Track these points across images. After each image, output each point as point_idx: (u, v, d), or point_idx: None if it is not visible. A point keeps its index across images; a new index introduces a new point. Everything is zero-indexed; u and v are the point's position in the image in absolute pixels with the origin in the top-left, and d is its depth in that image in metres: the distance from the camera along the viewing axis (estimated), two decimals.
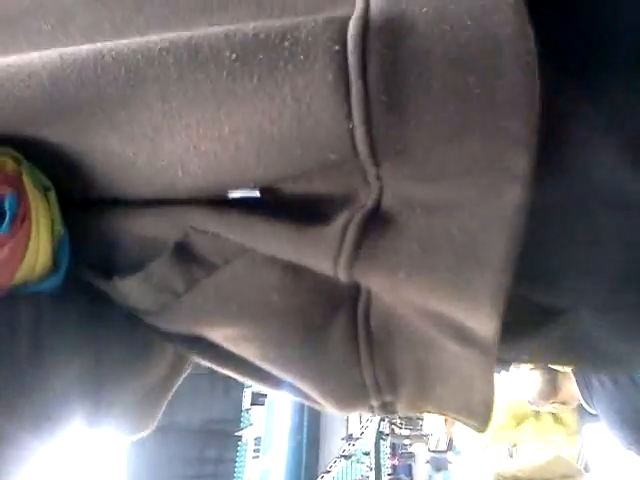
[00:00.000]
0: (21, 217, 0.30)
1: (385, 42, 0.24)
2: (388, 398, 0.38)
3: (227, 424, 13.42)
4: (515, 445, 1.82)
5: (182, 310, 0.34)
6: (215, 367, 0.41)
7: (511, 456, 1.80)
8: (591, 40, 0.32)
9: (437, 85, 0.24)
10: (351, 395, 0.38)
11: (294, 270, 0.31)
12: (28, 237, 0.31)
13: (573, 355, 0.43)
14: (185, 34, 0.26)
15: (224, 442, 13.20)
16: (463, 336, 0.31)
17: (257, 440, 13.93)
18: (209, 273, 0.32)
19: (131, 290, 0.33)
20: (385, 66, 0.24)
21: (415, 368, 0.36)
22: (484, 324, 0.29)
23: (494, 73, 0.24)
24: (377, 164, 0.27)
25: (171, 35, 0.26)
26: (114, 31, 0.29)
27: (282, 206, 0.30)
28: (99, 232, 0.33)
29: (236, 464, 13.45)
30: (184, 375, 0.43)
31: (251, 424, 13.84)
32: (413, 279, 0.29)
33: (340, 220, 0.29)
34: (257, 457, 13.82)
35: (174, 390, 0.43)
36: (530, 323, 0.37)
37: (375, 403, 0.38)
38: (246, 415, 13.85)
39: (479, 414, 0.36)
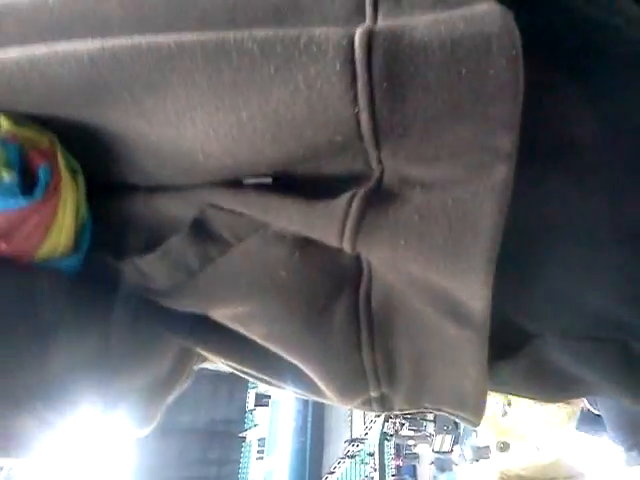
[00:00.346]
0: (53, 188, 0.31)
1: (388, 38, 0.27)
2: (386, 390, 0.39)
3: (231, 425, 13.43)
4: (510, 403, 1.81)
5: (196, 288, 0.36)
6: (220, 358, 0.42)
7: (504, 414, 1.78)
8: (582, 33, 0.34)
9: (432, 76, 0.27)
10: (351, 382, 0.39)
11: (302, 247, 0.34)
12: (56, 210, 0.32)
13: (539, 382, 0.44)
14: (215, 33, 0.29)
15: (228, 443, 13.21)
16: (457, 313, 0.33)
17: (261, 441, 13.93)
18: (223, 251, 0.34)
19: (149, 268, 0.35)
20: (387, 59, 0.27)
21: (412, 356, 0.37)
22: (476, 294, 0.31)
23: (483, 65, 0.27)
24: (379, 147, 0.29)
25: (204, 33, 0.29)
26: None
27: (293, 185, 0.32)
28: (119, 215, 0.35)
29: (240, 465, 13.46)
30: (188, 377, 0.44)
31: (255, 425, 13.86)
32: (411, 247, 0.31)
33: (346, 195, 0.31)
34: (261, 458, 13.82)
35: (177, 392, 0.43)
36: (507, 346, 0.39)
37: (374, 394, 0.39)
38: (250, 416, 13.87)
39: (473, 405, 0.37)
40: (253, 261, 0.34)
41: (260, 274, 0.35)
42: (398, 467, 11.23)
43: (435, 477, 9.08)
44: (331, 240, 0.32)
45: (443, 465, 7.86)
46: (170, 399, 0.43)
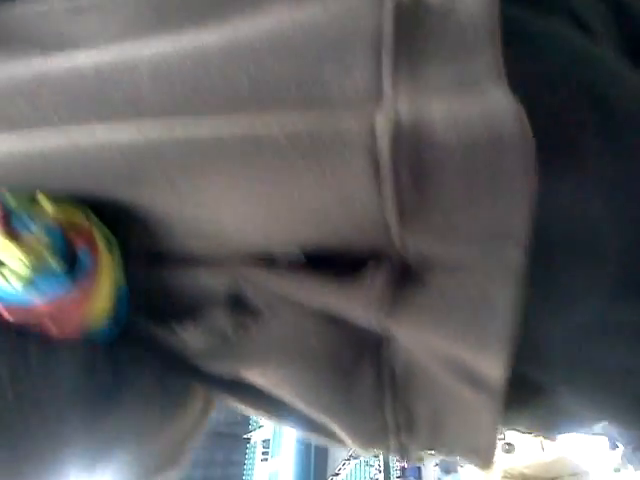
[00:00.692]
0: (93, 268, 0.32)
1: (409, 134, 0.29)
2: (405, 440, 0.41)
3: (236, 426, 13.44)
4: None
5: (229, 353, 0.38)
6: (248, 409, 0.44)
7: None
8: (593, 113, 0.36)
9: (452, 171, 0.29)
10: (373, 435, 0.41)
11: (332, 319, 0.36)
12: (97, 287, 0.33)
13: (553, 425, 0.47)
14: (247, 123, 0.30)
15: (232, 444, 13.22)
16: (474, 380, 0.35)
17: (265, 442, 13.94)
18: (257, 320, 0.36)
19: (184, 334, 0.36)
20: (409, 154, 0.29)
21: (431, 413, 0.39)
22: (493, 367, 0.33)
23: (498, 162, 0.28)
24: (402, 232, 0.31)
25: (236, 121, 0.31)
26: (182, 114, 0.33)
27: (323, 263, 0.34)
28: (154, 282, 0.36)
29: (245, 467, 13.47)
30: (207, 421, 0.46)
31: (260, 426, 13.86)
32: (435, 326, 0.33)
33: (373, 276, 0.33)
34: (266, 460, 13.82)
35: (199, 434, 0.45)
36: (521, 397, 0.41)
37: (392, 443, 0.42)
38: (255, 417, 13.84)
39: (483, 455, 0.40)
40: (285, 330, 0.36)
41: (291, 342, 0.37)
42: (403, 469, 11.20)
43: (440, 479, 9.05)
44: (360, 319, 0.35)
45: (448, 467, 7.84)
46: (196, 439, 0.45)
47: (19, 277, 0.29)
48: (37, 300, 0.30)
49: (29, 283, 0.30)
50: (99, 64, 0.33)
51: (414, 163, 0.29)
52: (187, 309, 0.36)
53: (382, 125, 0.29)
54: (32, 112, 0.32)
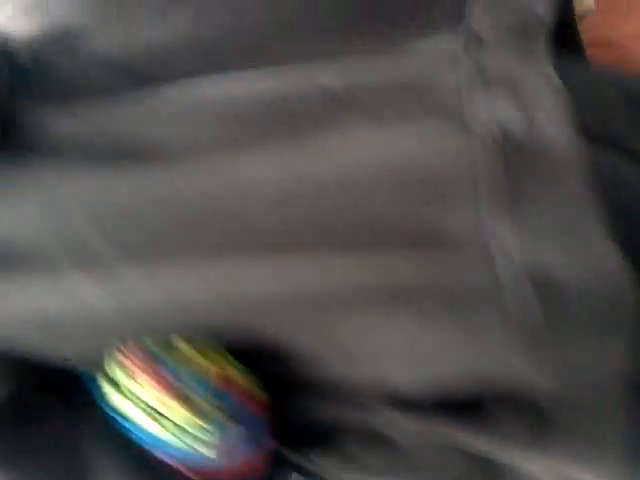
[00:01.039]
0: (248, 416, 0.32)
1: (536, 287, 0.30)
2: None
3: None
4: None
5: (361, 473, 0.39)
6: None
7: None
8: None
9: (572, 318, 0.30)
10: None
11: (466, 453, 0.36)
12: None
13: None
14: (375, 267, 0.31)
15: None
16: None
17: None
18: (394, 452, 0.37)
19: (323, 463, 0.37)
20: (538, 304, 0.30)
21: None
22: None
23: (607, 314, 0.30)
24: (536, 377, 0.32)
25: (364, 263, 0.31)
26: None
27: (457, 404, 0.34)
28: (290, 412, 0.37)
29: None
30: None
31: None
32: (560, 458, 0.34)
33: (508, 421, 0.34)
34: None
35: None
36: None
37: None
38: None
39: None
40: (423, 461, 0.37)
41: (427, 473, 0.37)
42: None
43: None
44: (492, 456, 0.36)
45: None
46: None
47: (205, 443, 0.29)
48: (224, 461, 0.30)
49: (214, 447, 0.29)
50: (203, 188, 0.32)
51: (536, 311, 0.30)
52: (320, 437, 0.37)
53: (506, 275, 0.30)
54: (152, 247, 0.31)
